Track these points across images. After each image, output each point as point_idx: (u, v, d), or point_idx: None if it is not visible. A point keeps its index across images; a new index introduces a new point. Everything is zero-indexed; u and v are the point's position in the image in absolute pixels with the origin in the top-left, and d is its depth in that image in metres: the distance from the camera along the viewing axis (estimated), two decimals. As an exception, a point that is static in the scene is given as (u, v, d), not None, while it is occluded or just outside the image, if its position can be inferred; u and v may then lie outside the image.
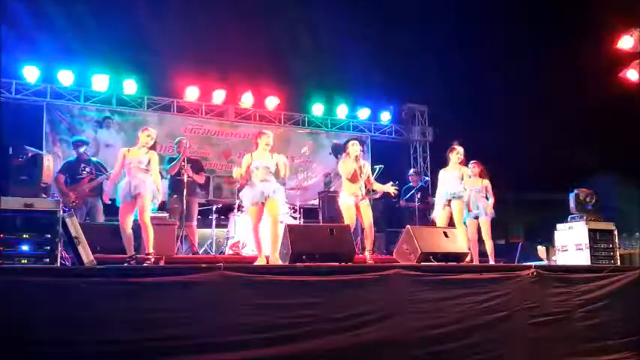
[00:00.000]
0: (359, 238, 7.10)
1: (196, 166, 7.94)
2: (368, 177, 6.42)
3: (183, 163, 7.57)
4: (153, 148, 5.82)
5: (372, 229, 6.32)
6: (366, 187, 6.39)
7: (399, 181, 9.04)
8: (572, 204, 6.63)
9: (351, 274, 4.50)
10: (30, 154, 4.69)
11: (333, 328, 4.22)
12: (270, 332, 4.02)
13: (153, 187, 5.59)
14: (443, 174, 6.89)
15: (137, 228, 5.65)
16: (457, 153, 6.86)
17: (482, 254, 6.90)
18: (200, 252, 7.80)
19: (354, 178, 6.29)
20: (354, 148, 6.38)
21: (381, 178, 6.66)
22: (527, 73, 10.59)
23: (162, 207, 7.66)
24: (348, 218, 6.22)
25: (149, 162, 5.68)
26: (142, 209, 5.49)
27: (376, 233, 7.23)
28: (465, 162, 6.92)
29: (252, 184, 5.86)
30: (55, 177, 7.05)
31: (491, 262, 6.72)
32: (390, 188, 6.52)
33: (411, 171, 9.87)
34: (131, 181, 5.53)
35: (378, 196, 8.94)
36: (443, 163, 7.05)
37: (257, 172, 5.83)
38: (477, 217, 6.92)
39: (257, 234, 5.89)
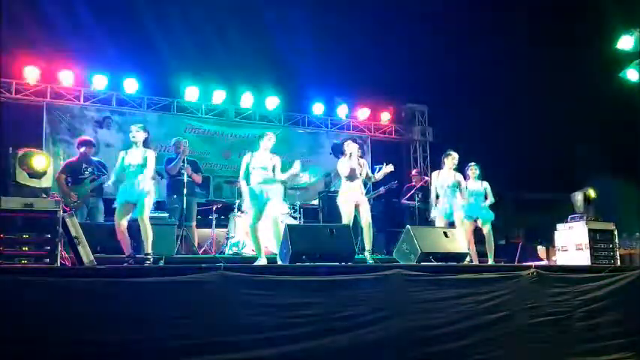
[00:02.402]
0: (359, 238, 7.10)
1: (194, 166, 7.95)
2: (367, 174, 6.46)
3: (182, 163, 7.58)
4: (147, 144, 5.76)
5: (370, 228, 6.35)
6: (367, 183, 6.45)
7: (399, 180, 9.08)
8: (577, 203, 6.62)
9: (351, 274, 4.50)
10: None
11: (333, 328, 4.22)
12: (270, 332, 4.02)
13: (151, 188, 5.58)
14: (437, 181, 6.88)
15: (137, 228, 5.65)
16: (453, 159, 6.89)
17: (482, 254, 6.90)
18: (200, 252, 7.80)
19: (351, 177, 6.34)
20: (350, 147, 6.45)
21: (382, 178, 6.70)
22: (528, 72, 10.59)
23: (161, 207, 7.68)
24: (347, 216, 6.24)
25: (146, 161, 5.63)
26: (142, 210, 5.48)
27: (376, 233, 7.24)
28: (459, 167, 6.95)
29: (251, 186, 5.92)
30: (56, 177, 7.06)
31: (491, 262, 6.72)
32: (388, 168, 6.55)
33: (414, 171, 9.87)
34: (128, 186, 5.51)
35: (382, 192, 8.97)
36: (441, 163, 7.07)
37: (255, 173, 5.91)
38: (475, 219, 6.90)
39: (256, 234, 5.93)
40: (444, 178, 6.85)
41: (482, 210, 6.89)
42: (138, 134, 5.69)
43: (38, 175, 4.53)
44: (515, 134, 10.79)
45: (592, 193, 6.61)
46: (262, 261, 5.71)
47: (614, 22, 8.37)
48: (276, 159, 6.04)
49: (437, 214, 6.81)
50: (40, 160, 4.58)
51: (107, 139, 9.84)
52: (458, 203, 6.71)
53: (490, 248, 6.84)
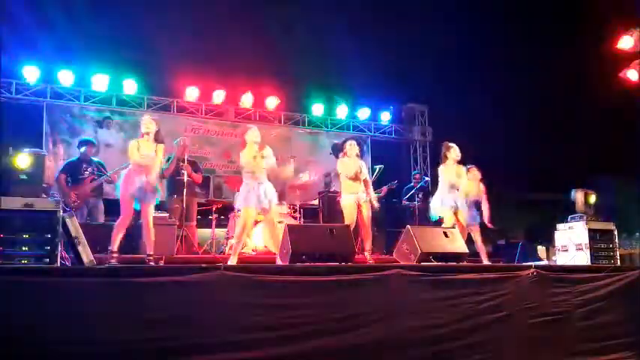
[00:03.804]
0: (359, 238, 7.11)
1: (194, 166, 7.95)
2: (365, 178, 6.44)
3: (181, 163, 7.58)
4: (159, 139, 5.61)
5: (370, 229, 6.36)
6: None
7: (399, 180, 9.08)
8: (578, 203, 6.60)
9: (351, 274, 4.50)
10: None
11: (333, 328, 4.21)
12: (270, 332, 4.02)
13: (157, 186, 5.53)
14: (444, 175, 6.80)
15: (137, 228, 5.64)
16: (455, 150, 6.81)
17: (475, 254, 6.86)
18: (200, 252, 7.80)
19: (353, 178, 6.32)
20: (352, 147, 6.42)
21: (382, 178, 6.70)
22: (528, 72, 10.60)
23: (162, 207, 7.68)
24: (349, 217, 6.23)
25: (155, 155, 5.52)
26: (148, 210, 5.41)
27: (376, 233, 7.23)
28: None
29: (249, 186, 5.77)
30: (56, 177, 7.06)
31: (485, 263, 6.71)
32: (378, 170, 6.47)
33: (414, 172, 9.86)
34: (137, 180, 5.41)
35: (382, 194, 8.97)
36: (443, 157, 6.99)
37: (252, 173, 5.76)
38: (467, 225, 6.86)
39: (243, 236, 5.88)
40: (451, 172, 6.75)
41: (472, 216, 6.88)
42: (151, 125, 5.57)
43: (27, 174, 4.51)
44: (516, 134, 10.80)
45: (591, 194, 6.60)
46: (235, 261, 5.63)
47: (614, 22, 8.37)
48: (268, 151, 5.89)
49: (444, 209, 6.65)
50: (22, 159, 4.54)
51: (107, 139, 9.84)
52: (462, 201, 6.68)
53: (482, 249, 6.83)
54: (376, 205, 6.50)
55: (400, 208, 9.45)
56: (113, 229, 5.40)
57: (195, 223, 8.05)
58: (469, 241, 6.83)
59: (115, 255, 5.32)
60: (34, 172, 4.52)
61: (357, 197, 6.31)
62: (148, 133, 5.55)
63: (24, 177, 4.45)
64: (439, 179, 6.87)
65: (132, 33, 9.30)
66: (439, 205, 6.75)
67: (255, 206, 5.71)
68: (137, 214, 5.55)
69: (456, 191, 6.73)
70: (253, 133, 5.88)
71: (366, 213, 6.33)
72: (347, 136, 10.82)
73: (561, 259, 6.52)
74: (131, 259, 5.82)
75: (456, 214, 6.64)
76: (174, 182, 7.68)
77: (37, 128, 9.33)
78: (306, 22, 10.02)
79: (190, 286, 3.89)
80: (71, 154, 8.57)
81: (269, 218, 5.85)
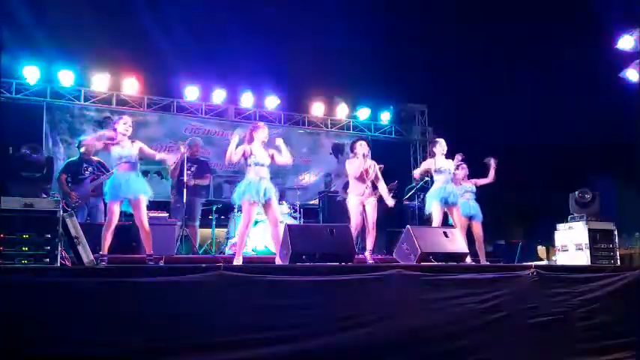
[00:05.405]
0: (359, 237, 7.11)
1: (202, 167, 7.95)
2: (376, 176, 6.44)
3: (188, 164, 7.62)
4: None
5: (374, 229, 6.36)
6: (373, 185, 6.43)
7: (399, 181, 9.07)
8: (572, 204, 6.63)
9: (351, 274, 4.50)
10: (43, 155, 4.70)
11: (333, 328, 4.22)
12: (270, 332, 4.02)
13: (145, 185, 5.53)
14: (434, 165, 6.76)
15: (137, 228, 5.63)
16: (440, 145, 6.76)
17: (473, 254, 6.87)
18: (200, 252, 7.80)
19: (360, 178, 6.33)
20: (362, 147, 6.42)
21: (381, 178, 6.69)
22: (528, 72, 10.59)
23: (164, 207, 7.70)
24: (355, 217, 6.25)
25: (138, 153, 5.52)
26: (142, 210, 5.40)
27: (376, 233, 7.22)
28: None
29: (249, 180, 5.72)
30: (57, 177, 7.07)
31: (483, 262, 6.71)
32: (388, 200, 6.50)
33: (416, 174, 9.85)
34: (122, 181, 5.39)
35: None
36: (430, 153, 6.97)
37: (255, 169, 5.72)
38: (469, 218, 6.89)
39: (246, 233, 5.85)
40: (440, 163, 6.73)
41: (474, 209, 6.90)
42: (131, 128, 5.58)
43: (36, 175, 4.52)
44: (516, 134, 10.79)
45: (590, 194, 6.60)
46: (240, 261, 5.59)
47: (614, 22, 8.37)
48: (272, 151, 5.89)
49: (433, 199, 6.61)
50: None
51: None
52: (455, 193, 6.67)
53: (481, 248, 6.84)
54: (390, 203, 6.49)
55: (400, 208, 9.45)
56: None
57: (197, 223, 8.06)
58: (469, 241, 6.84)
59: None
60: (43, 173, 4.54)
61: (363, 198, 6.32)
62: (127, 136, 5.55)
63: (29, 175, 4.46)
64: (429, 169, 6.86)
65: (132, 33, 9.30)
66: (429, 199, 6.73)
67: (255, 200, 5.64)
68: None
69: (449, 181, 6.70)
70: (262, 133, 5.85)
71: (371, 213, 6.34)
72: (348, 136, 10.86)
73: (561, 259, 6.52)
74: (131, 259, 5.83)
75: (451, 210, 6.64)
76: (177, 182, 7.70)
77: (37, 128, 9.32)
78: (307, 22, 10.02)
79: (190, 286, 3.89)
80: (71, 154, 8.57)
81: (272, 217, 5.81)
